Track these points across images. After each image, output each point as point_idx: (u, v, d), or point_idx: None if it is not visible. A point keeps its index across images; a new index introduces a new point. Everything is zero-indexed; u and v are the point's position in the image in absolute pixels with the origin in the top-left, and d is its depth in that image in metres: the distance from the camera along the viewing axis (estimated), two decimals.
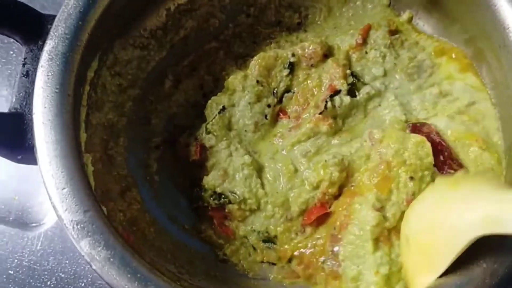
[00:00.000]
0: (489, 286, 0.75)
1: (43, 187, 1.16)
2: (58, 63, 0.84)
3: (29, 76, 0.89)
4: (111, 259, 0.76)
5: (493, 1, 0.93)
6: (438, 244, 0.76)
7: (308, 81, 1.07)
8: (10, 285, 1.15)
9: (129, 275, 0.75)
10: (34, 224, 1.20)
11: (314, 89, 1.06)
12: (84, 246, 0.77)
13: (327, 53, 1.08)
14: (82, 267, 1.16)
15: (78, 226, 0.77)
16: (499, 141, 0.98)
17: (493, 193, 0.72)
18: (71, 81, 0.85)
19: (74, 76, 0.86)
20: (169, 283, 0.77)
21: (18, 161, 0.89)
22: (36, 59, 0.88)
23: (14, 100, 0.88)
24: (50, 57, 0.84)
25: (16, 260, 1.17)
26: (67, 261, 1.17)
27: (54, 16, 0.87)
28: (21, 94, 0.88)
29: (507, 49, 0.92)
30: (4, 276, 1.15)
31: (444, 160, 0.95)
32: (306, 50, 1.06)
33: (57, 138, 0.81)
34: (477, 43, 1.02)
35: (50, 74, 0.84)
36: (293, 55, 1.07)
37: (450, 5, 1.07)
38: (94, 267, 0.76)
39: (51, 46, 0.85)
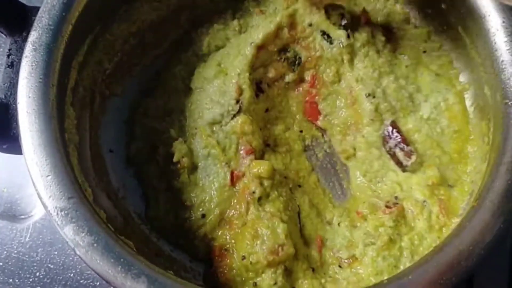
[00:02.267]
0: (465, 268, 0.77)
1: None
2: (42, 53, 0.86)
3: (13, 66, 0.90)
4: (95, 245, 0.77)
5: None
6: None
7: None
8: None
9: (112, 260, 0.76)
10: (23, 216, 1.21)
11: None
12: (68, 232, 0.78)
13: None
14: (70, 258, 1.16)
15: (62, 213, 0.79)
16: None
17: None
18: (55, 71, 0.87)
19: (58, 66, 0.87)
20: (152, 268, 0.78)
21: (3, 151, 0.91)
22: (20, 50, 0.89)
23: None
24: (34, 47, 0.86)
25: (5, 252, 1.17)
26: (56, 252, 1.17)
27: (38, 8, 0.89)
28: (5, 85, 0.90)
29: (483, 38, 0.94)
30: None
31: None
32: None
33: (41, 127, 0.83)
34: (456, 31, 1.05)
35: (34, 64, 0.85)
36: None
37: None
38: (78, 252, 0.77)
39: (35, 37, 0.86)
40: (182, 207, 1.03)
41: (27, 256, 1.17)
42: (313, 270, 0.98)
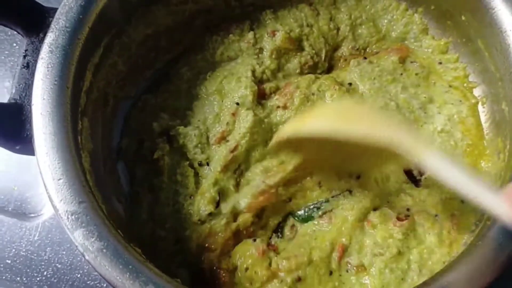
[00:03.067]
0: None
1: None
2: (58, 55, 0.86)
3: (29, 67, 0.90)
4: (104, 250, 0.76)
5: (491, 5, 0.95)
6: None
7: None
8: (7, 274, 1.16)
9: (121, 266, 0.76)
10: (32, 215, 1.21)
11: None
12: (78, 237, 0.77)
13: None
14: (78, 258, 1.16)
15: (73, 217, 0.78)
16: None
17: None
18: (70, 73, 0.86)
19: (73, 68, 0.87)
20: (160, 275, 0.77)
21: (17, 151, 0.91)
22: (36, 51, 0.89)
23: (14, 91, 0.89)
24: (50, 49, 0.86)
25: (13, 250, 1.18)
26: (64, 252, 1.17)
27: (56, 9, 0.89)
28: (21, 85, 0.90)
29: (503, 52, 0.93)
30: (2, 265, 1.16)
31: None
32: None
33: (54, 129, 0.83)
34: (475, 44, 1.04)
35: (50, 66, 0.85)
36: None
37: (450, 7, 1.08)
38: (87, 257, 0.77)
39: (52, 38, 0.86)
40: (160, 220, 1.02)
41: (35, 254, 1.18)
42: (331, 273, 0.97)
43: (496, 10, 0.94)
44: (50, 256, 1.17)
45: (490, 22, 0.95)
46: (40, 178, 1.12)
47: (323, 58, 1.17)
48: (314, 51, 1.16)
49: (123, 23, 1.03)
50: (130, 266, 0.76)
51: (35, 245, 1.18)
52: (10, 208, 1.22)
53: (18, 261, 1.17)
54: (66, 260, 1.17)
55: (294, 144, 0.96)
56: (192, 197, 1.02)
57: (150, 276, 0.76)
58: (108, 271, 0.76)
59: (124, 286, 0.75)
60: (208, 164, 1.04)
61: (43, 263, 1.17)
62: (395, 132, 0.79)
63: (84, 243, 0.77)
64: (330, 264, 0.96)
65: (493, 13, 0.94)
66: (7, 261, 1.17)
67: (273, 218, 1.04)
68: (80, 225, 0.78)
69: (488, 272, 0.76)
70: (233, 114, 1.05)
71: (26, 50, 0.91)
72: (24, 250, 1.18)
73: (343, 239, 0.98)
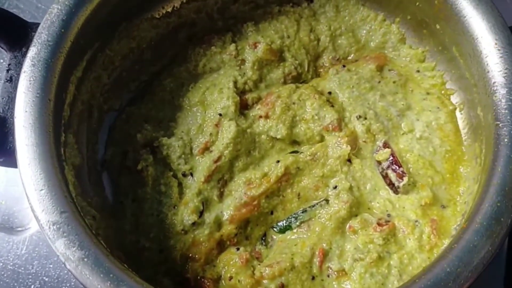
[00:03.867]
0: None
1: None
2: (40, 69, 0.87)
3: (12, 81, 0.92)
4: (85, 259, 0.78)
5: (463, 13, 0.97)
6: None
7: None
8: None
9: (102, 275, 0.77)
10: (19, 229, 1.22)
11: None
12: (59, 246, 0.79)
13: None
14: (65, 271, 1.18)
15: (54, 227, 0.80)
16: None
17: None
18: (52, 86, 0.88)
19: (56, 82, 0.89)
20: (141, 283, 0.78)
21: (0, 164, 0.92)
22: (19, 65, 0.91)
23: None
24: (32, 63, 0.87)
25: (1, 264, 1.19)
26: (51, 265, 1.19)
27: (38, 24, 0.91)
28: (4, 99, 0.91)
29: (476, 59, 0.95)
30: None
31: None
32: None
33: (37, 141, 0.84)
34: (451, 52, 1.06)
35: (32, 79, 0.87)
36: None
37: (426, 17, 1.10)
38: (68, 267, 0.78)
39: (34, 52, 0.88)
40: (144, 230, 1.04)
41: (22, 268, 1.19)
42: (313, 278, 0.98)
43: (468, 17, 0.96)
44: (37, 269, 1.19)
45: (463, 30, 0.97)
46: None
47: (306, 68, 1.20)
48: (297, 62, 1.18)
49: (106, 37, 1.06)
50: (111, 275, 0.77)
51: (22, 259, 1.20)
52: None
53: (5, 275, 1.18)
54: (53, 273, 1.18)
55: None
56: (175, 207, 1.03)
57: (131, 284, 0.77)
58: (89, 279, 0.77)
59: None
60: (191, 175, 1.06)
61: (30, 276, 1.18)
62: None
63: (66, 253, 0.78)
64: (311, 269, 0.98)
65: (465, 20, 0.96)
66: None
67: (257, 229, 1.06)
68: (61, 235, 0.79)
69: (463, 275, 0.78)
70: (216, 125, 1.07)
71: (9, 64, 0.93)
72: (11, 263, 1.19)
73: (324, 244, 0.99)
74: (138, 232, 1.03)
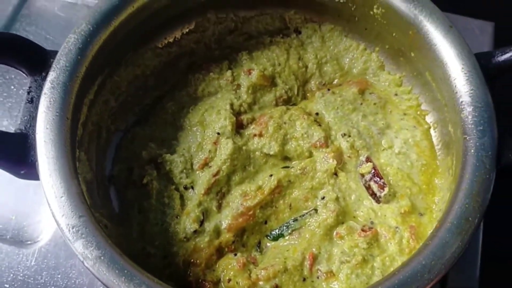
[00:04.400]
0: (427, 281, 0.87)
1: (39, 207, 1.30)
2: (59, 91, 0.98)
3: (33, 102, 1.02)
4: (102, 258, 0.87)
5: (433, 42, 1.10)
6: None
7: None
8: None
9: (117, 271, 0.86)
10: (29, 242, 1.30)
11: None
12: (78, 247, 0.88)
13: None
14: (73, 281, 1.25)
15: (73, 229, 0.89)
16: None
17: None
18: (70, 106, 0.99)
19: (72, 102, 1.00)
20: (151, 278, 0.88)
21: (20, 176, 1.01)
22: (39, 88, 1.02)
23: (19, 122, 1.01)
24: (52, 85, 0.98)
25: (11, 275, 1.26)
26: (59, 276, 1.26)
27: (56, 52, 1.02)
28: (25, 118, 1.01)
29: (446, 82, 1.08)
30: None
31: None
32: None
33: (57, 154, 0.94)
34: (424, 76, 1.19)
35: (52, 100, 0.98)
36: None
37: (402, 46, 1.23)
38: (86, 265, 0.87)
39: (53, 76, 0.99)
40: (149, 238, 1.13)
41: (32, 279, 1.26)
42: (304, 280, 1.08)
43: (438, 46, 1.08)
44: (46, 280, 1.26)
45: (434, 57, 1.10)
46: (36, 207, 1.25)
47: (295, 92, 1.32)
48: (287, 86, 1.30)
49: (115, 64, 1.18)
50: (125, 271, 0.86)
51: (31, 270, 1.27)
52: (8, 237, 1.31)
53: (15, 286, 1.25)
54: (61, 283, 1.25)
55: None
56: (178, 217, 1.13)
57: (143, 279, 0.86)
58: (106, 275, 0.86)
59: None
60: (192, 188, 1.16)
61: (39, 286, 1.25)
62: None
63: (84, 252, 0.87)
64: (302, 271, 1.07)
65: (435, 48, 1.09)
66: (5, 285, 1.25)
67: (253, 237, 1.16)
68: (80, 236, 0.88)
69: (437, 267, 0.88)
70: (215, 143, 1.18)
71: (30, 87, 1.03)
72: (21, 274, 1.26)
73: (313, 249, 1.09)
74: (144, 240, 1.12)
